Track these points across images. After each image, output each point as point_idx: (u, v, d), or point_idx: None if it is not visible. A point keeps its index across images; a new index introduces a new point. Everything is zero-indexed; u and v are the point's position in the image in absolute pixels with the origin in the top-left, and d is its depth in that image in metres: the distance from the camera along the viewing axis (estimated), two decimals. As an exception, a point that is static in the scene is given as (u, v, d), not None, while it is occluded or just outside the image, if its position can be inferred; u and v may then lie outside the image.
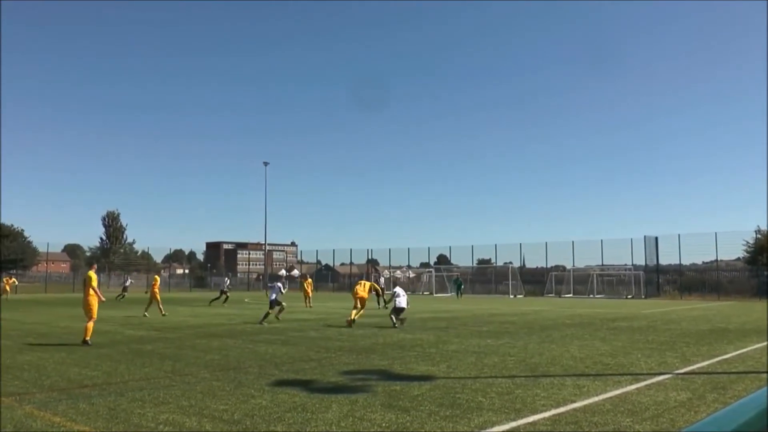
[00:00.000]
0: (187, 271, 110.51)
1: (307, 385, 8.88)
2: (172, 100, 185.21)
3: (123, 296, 40.11)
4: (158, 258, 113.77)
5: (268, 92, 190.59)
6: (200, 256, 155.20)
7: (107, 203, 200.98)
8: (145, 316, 23.44)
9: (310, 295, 33.61)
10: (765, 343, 14.90)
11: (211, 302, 33.89)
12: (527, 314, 26.62)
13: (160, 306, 24.69)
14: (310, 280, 35.52)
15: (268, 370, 10.44)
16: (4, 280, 26.76)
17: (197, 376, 9.81)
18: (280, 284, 22.03)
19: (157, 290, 24.99)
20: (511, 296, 52.43)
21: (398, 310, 19.34)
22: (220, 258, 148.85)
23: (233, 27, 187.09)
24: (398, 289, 20.24)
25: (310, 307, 31.57)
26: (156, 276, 26.72)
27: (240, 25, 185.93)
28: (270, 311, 20.76)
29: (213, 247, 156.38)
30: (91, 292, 14.63)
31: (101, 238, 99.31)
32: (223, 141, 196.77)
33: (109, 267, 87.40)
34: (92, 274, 15.08)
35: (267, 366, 10.89)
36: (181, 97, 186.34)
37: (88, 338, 14.32)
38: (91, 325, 14.51)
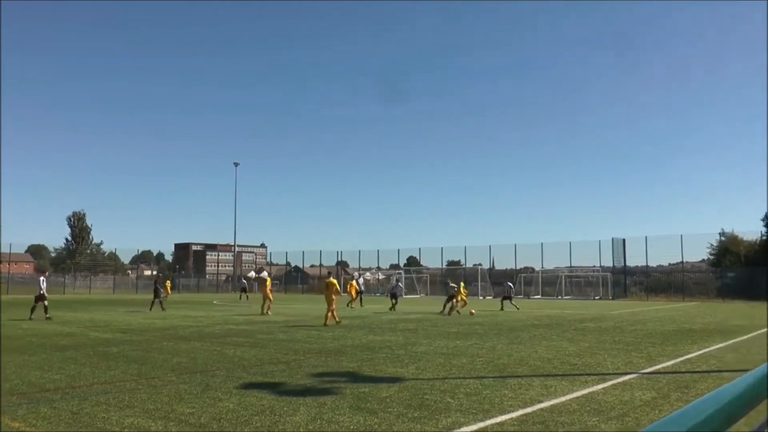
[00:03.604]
0: (154, 272, 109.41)
1: (275, 388, 8.82)
2: (140, 99, 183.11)
3: (247, 297, 43.19)
4: (126, 259, 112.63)
5: (236, 92, 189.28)
6: (169, 257, 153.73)
7: (73, 203, 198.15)
8: (267, 314, 25.93)
9: (354, 297, 34.80)
10: (727, 343, 15.21)
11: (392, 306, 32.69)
12: (496, 315, 26.77)
13: (264, 305, 26.77)
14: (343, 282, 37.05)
15: (236, 372, 10.35)
16: (166, 283, 31.77)
17: (164, 379, 9.69)
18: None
19: (269, 291, 27.41)
20: (480, 297, 52.65)
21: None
22: (188, 259, 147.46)
23: (204, 27, 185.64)
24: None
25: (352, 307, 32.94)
26: (267, 278, 29.79)
27: (210, 24, 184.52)
28: None
29: (182, 248, 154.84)
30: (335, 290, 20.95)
31: (66, 239, 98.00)
32: (193, 141, 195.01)
33: (74, 268, 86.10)
34: (333, 280, 21.76)
35: (235, 369, 10.79)
36: (149, 96, 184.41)
37: (337, 320, 20.71)
38: (328, 314, 20.40)
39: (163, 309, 29.42)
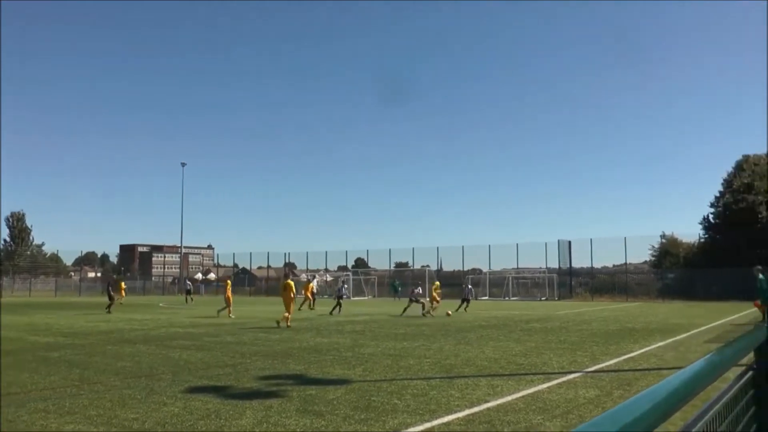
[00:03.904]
0: (99, 274, 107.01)
1: (221, 392, 8.71)
2: (84, 97, 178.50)
3: (192, 299, 44.64)
4: (69, 261, 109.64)
5: (184, 92, 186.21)
6: (114, 259, 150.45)
7: (12, 203, 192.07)
8: (230, 317, 25.66)
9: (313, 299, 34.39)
10: (667, 342, 15.66)
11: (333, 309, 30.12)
12: (443, 316, 26.95)
13: (230, 308, 26.45)
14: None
15: (181, 376, 10.18)
16: (120, 285, 35.67)
17: (107, 384, 9.47)
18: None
19: (229, 293, 26.96)
20: (428, 299, 52.93)
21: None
22: (134, 261, 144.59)
23: (152, 22, 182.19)
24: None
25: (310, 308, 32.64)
26: (227, 280, 29.39)
27: (157, 21, 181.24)
28: None
29: (127, 250, 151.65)
30: (291, 293, 21.01)
31: (5, 240, 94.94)
32: (139, 140, 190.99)
33: (13, 270, 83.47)
34: (291, 282, 21.75)
35: (181, 372, 10.62)
36: (93, 93, 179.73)
37: (281, 322, 20.35)
38: (287, 315, 20.34)
39: (108, 312, 29.06)
